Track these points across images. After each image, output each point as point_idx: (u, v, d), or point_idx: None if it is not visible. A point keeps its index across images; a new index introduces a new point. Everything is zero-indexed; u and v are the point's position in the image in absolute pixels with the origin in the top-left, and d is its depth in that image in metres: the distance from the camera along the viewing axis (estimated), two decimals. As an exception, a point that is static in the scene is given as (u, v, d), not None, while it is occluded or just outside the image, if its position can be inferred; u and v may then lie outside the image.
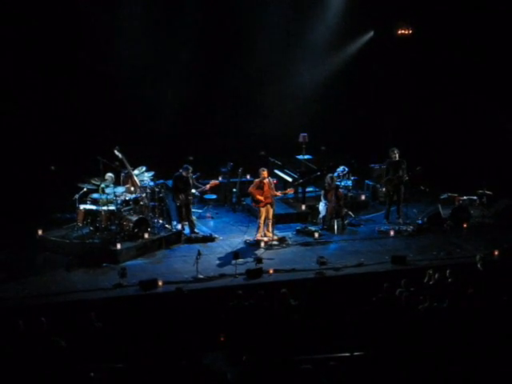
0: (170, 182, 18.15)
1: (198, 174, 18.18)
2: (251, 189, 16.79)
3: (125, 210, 16.19)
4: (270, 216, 16.71)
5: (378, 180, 19.47)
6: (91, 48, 20.01)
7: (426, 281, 13.43)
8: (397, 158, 17.92)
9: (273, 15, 21.59)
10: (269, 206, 16.67)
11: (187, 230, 17.07)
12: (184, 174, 16.91)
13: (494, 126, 21.12)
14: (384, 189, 18.62)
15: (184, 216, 17.04)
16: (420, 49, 22.28)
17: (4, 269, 14.93)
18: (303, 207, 18.54)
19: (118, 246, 15.49)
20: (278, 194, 17.07)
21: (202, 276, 14.59)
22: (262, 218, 16.68)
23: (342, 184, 18.42)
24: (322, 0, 22.28)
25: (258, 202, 16.67)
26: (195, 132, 21.33)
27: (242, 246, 16.56)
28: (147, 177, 17.04)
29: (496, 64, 21.29)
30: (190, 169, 16.99)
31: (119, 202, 16.00)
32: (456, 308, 12.09)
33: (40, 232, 16.27)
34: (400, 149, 18.13)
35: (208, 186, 17.51)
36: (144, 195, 16.58)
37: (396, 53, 22.65)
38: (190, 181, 17.03)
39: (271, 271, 14.92)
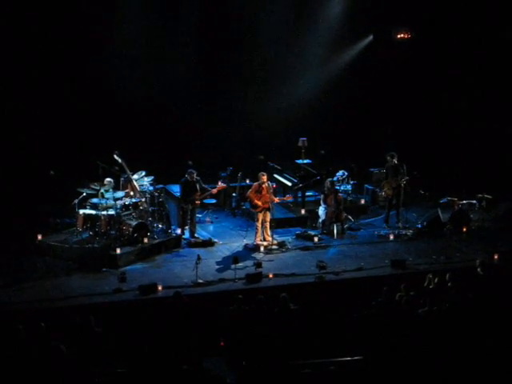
0: (169, 187, 18.19)
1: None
2: (249, 193, 16.82)
3: (124, 215, 16.18)
4: (267, 219, 16.73)
5: (378, 184, 19.48)
6: (91, 52, 20.01)
7: (425, 285, 13.42)
8: (395, 162, 17.92)
9: (272, 19, 21.61)
10: (266, 210, 16.68)
11: (187, 235, 17.09)
12: (189, 178, 16.92)
13: (493, 130, 21.15)
14: (383, 193, 18.64)
15: (187, 221, 17.06)
16: (419, 53, 22.30)
17: (4, 274, 14.91)
18: (303, 211, 18.53)
19: (118, 251, 15.49)
20: (276, 200, 17.08)
21: (201, 281, 14.59)
22: (259, 221, 16.71)
23: (342, 188, 18.42)
24: (321, 5, 22.30)
25: (255, 206, 16.69)
26: (195, 136, 21.34)
27: (241, 250, 16.57)
28: (147, 181, 17.04)
29: (496, 68, 21.33)
30: (195, 172, 16.98)
31: (119, 206, 16.00)
32: (456, 312, 12.08)
33: (39, 237, 16.27)
34: (400, 153, 18.14)
35: (215, 190, 17.50)
36: (144, 200, 16.58)
37: (395, 57, 22.67)
38: (197, 185, 17.03)
39: (271, 276, 14.92)
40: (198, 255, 14.78)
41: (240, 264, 15.28)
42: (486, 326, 11.76)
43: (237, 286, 14.55)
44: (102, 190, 16.06)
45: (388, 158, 18.04)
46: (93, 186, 16.15)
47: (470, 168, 20.35)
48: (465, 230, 17.44)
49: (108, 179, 16.31)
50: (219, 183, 19.19)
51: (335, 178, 18.43)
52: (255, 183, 16.92)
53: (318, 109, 22.26)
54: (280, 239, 17.02)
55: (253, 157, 20.45)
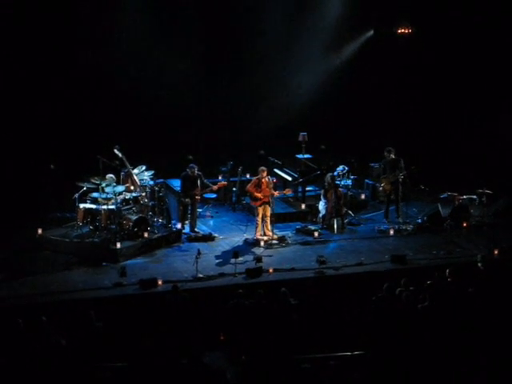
0: (169, 181, 18.20)
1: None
2: (249, 187, 16.82)
3: (125, 209, 16.18)
4: (268, 214, 16.73)
5: (378, 179, 19.47)
6: (91, 46, 20.00)
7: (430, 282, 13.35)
8: (392, 157, 17.93)
9: (273, 14, 21.60)
10: (266, 204, 16.69)
11: (187, 229, 17.09)
12: (190, 172, 16.92)
13: (493, 125, 21.14)
14: (381, 188, 18.65)
15: (187, 215, 17.06)
16: (420, 47, 22.28)
17: (4, 268, 14.92)
18: (303, 206, 18.55)
19: (118, 245, 15.49)
20: (276, 193, 17.07)
21: (201, 275, 14.60)
22: (260, 216, 16.71)
23: (342, 183, 18.40)
24: (322, -1, 22.32)
25: (255, 199, 16.69)
26: (195, 131, 21.33)
27: (241, 245, 16.57)
28: (147, 176, 17.04)
29: (496, 63, 21.30)
30: (196, 167, 16.97)
31: (119, 201, 16.00)
32: (456, 307, 12.09)
33: (40, 231, 16.28)
34: (400, 148, 18.13)
35: (216, 187, 17.50)
36: (144, 194, 16.58)
37: (396, 52, 22.65)
38: (198, 180, 17.01)
39: (271, 270, 14.92)
40: (198, 250, 14.79)
41: (240, 258, 15.28)
42: (487, 321, 11.76)
43: (237, 280, 14.55)
44: (104, 184, 16.05)
45: (385, 153, 18.06)
46: (93, 181, 16.15)
47: (470, 163, 20.34)
48: (465, 225, 17.43)
49: (110, 175, 16.30)
50: (220, 178, 19.24)
51: (335, 173, 18.41)
52: (254, 178, 16.94)
53: (319, 103, 22.24)
54: (280, 234, 17.02)
55: (253, 151, 20.43)
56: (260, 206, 16.67)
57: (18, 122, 19.59)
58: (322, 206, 17.64)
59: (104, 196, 15.94)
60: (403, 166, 17.81)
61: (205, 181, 17.31)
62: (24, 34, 19.32)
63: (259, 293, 12.69)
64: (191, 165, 17.05)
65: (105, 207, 15.88)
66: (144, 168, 17.10)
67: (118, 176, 16.73)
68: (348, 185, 18.65)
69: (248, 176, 19.14)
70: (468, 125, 21.55)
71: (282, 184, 19.30)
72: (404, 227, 17.53)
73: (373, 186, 19.82)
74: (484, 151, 20.71)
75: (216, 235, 17.06)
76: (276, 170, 19.67)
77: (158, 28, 20.93)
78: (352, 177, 19.03)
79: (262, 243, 16.48)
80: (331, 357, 10.74)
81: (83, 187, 16.24)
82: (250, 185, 16.87)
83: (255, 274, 14.76)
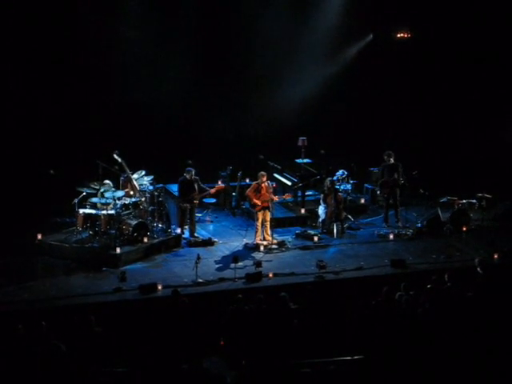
0: (169, 186, 18.21)
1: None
2: (248, 192, 16.84)
3: (124, 214, 16.19)
4: (267, 219, 16.74)
5: (377, 183, 19.48)
6: (91, 52, 20.03)
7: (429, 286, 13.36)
8: (391, 162, 17.95)
9: (271, 19, 21.62)
10: (266, 209, 16.69)
11: (187, 234, 17.09)
12: (188, 177, 16.93)
13: (493, 129, 21.16)
14: (379, 192, 18.66)
15: (186, 220, 17.06)
16: (419, 52, 22.32)
17: (4, 273, 14.91)
18: (302, 211, 18.55)
19: (118, 250, 15.49)
20: (276, 198, 17.08)
21: (201, 280, 14.60)
22: (259, 221, 16.72)
23: (342, 188, 18.41)
24: (321, 3, 22.31)
25: (254, 205, 16.70)
26: (195, 136, 21.34)
27: (241, 249, 16.57)
28: (146, 181, 17.05)
29: (495, 68, 21.34)
30: (193, 171, 16.98)
31: (118, 206, 16.00)
32: (455, 311, 12.09)
33: (39, 236, 16.26)
34: (399, 152, 18.15)
35: (213, 190, 17.51)
36: (143, 199, 16.59)
37: (395, 56, 22.68)
38: (195, 184, 17.02)
39: (271, 275, 14.92)
40: (198, 254, 14.78)
41: (240, 263, 15.28)
42: (486, 325, 11.76)
43: (237, 285, 14.55)
44: (102, 190, 16.06)
45: (385, 157, 18.08)
46: (93, 186, 16.16)
47: (469, 167, 20.36)
48: (464, 229, 17.44)
49: (106, 181, 16.30)
50: (219, 182, 19.25)
51: (335, 178, 18.42)
52: (254, 182, 16.95)
53: (318, 108, 22.26)
54: (280, 238, 17.02)
55: (253, 156, 20.44)
56: (259, 210, 16.68)
57: (18, 127, 19.59)
58: (321, 210, 17.65)
59: (104, 201, 15.95)
60: (402, 170, 17.84)
61: (202, 185, 17.31)
62: (24, 38, 19.33)
63: (259, 297, 12.68)
64: (188, 168, 17.06)
65: (104, 212, 15.89)
66: (143, 173, 17.11)
67: (117, 181, 16.75)
68: (347, 189, 18.66)
69: (247, 181, 19.15)
70: (467, 129, 21.57)
71: (281, 188, 19.32)
72: (404, 231, 17.54)
73: (372, 190, 19.84)
74: (483, 155, 20.72)
75: (216, 240, 17.06)
76: (275, 175, 19.68)
77: (158, 34, 20.96)
78: (351, 181, 19.05)
79: (262, 248, 16.48)
80: (331, 361, 10.74)
81: (83, 192, 16.24)
82: (249, 189, 16.89)
83: (255, 278, 14.75)
